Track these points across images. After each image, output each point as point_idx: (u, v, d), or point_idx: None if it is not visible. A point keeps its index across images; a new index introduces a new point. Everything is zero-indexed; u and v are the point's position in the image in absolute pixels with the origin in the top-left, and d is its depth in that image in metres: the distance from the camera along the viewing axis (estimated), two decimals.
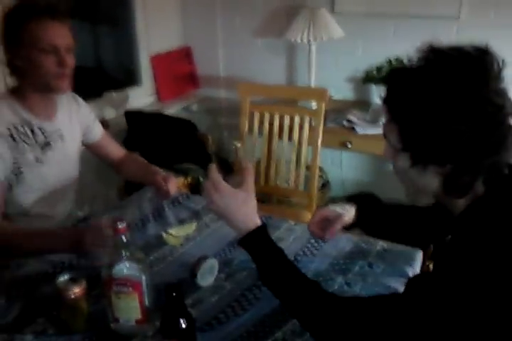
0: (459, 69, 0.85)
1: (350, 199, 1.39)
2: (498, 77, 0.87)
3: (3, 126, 1.48)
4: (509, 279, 0.83)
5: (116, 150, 1.90)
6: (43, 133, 1.57)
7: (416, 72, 0.89)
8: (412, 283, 1.02)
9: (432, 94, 0.85)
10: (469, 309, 0.85)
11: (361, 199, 1.39)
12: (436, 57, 0.88)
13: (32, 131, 1.54)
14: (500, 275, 0.84)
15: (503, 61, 0.87)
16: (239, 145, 1.15)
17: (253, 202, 1.09)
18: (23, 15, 1.45)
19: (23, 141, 1.52)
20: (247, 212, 1.08)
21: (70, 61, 1.50)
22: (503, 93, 0.87)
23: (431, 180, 0.94)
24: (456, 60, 0.86)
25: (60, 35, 1.48)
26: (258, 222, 1.08)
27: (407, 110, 0.89)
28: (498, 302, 0.84)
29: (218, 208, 1.08)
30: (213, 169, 1.09)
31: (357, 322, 0.96)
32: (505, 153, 0.90)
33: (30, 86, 1.52)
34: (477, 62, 0.86)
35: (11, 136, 1.49)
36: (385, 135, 0.98)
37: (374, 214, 1.35)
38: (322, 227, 1.33)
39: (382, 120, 2.51)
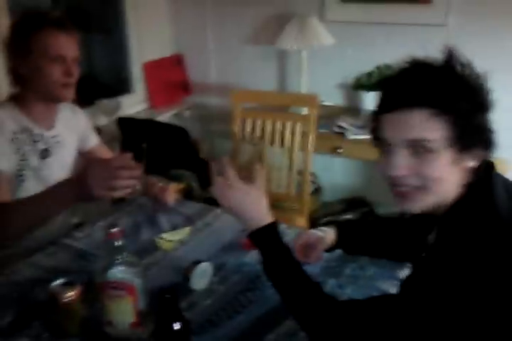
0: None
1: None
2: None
3: (7, 131, 1.50)
4: (499, 276, 0.85)
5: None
6: (42, 141, 1.60)
7: (441, 67, 0.93)
8: (405, 284, 1.03)
9: (466, 82, 0.92)
10: (464, 307, 0.86)
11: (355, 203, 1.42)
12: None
13: (32, 139, 1.56)
14: (490, 272, 0.86)
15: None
16: (250, 147, 1.16)
17: (265, 200, 1.11)
18: (33, 25, 1.48)
19: (24, 147, 1.54)
20: (259, 209, 1.10)
21: (76, 71, 1.54)
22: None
23: (456, 175, 0.94)
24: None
25: (69, 46, 1.52)
26: (270, 219, 1.10)
27: (457, 98, 0.90)
28: (492, 299, 0.86)
29: (230, 203, 1.09)
30: (227, 163, 1.10)
31: (353, 324, 0.98)
32: None
33: (34, 94, 1.55)
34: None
35: (14, 141, 1.51)
36: (414, 140, 0.91)
37: (354, 234, 1.38)
38: (304, 251, 1.35)
39: None
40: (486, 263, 0.86)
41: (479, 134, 0.92)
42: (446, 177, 0.93)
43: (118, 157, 1.14)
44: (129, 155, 1.13)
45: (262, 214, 1.10)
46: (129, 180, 1.12)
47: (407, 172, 0.93)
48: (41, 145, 1.59)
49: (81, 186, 1.14)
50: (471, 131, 0.91)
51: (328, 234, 1.35)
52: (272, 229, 1.10)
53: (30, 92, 1.54)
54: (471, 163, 0.94)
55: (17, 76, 1.54)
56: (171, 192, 1.73)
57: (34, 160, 1.56)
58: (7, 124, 1.50)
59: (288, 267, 1.09)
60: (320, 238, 1.34)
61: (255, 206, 1.10)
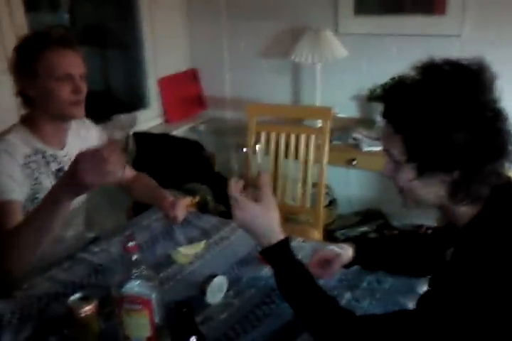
0: (454, 80, 0.91)
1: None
2: (490, 87, 0.92)
3: (21, 156, 1.50)
4: None
5: (126, 170, 1.92)
6: (55, 161, 1.60)
7: (415, 86, 0.94)
8: (422, 300, 1.02)
9: (431, 104, 0.90)
10: (480, 324, 0.86)
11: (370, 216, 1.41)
12: (432, 71, 0.93)
13: (45, 160, 1.57)
14: (508, 289, 0.85)
15: (495, 73, 0.93)
16: (252, 150, 1.13)
17: (274, 215, 1.11)
18: (36, 46, 1.48)
19: (38, 169, 1.54)
20: (268, 226, 1.10)
21: (84, 88, 1.55)
22: (496, 101, 0.92)
23: (437, 189, 0.97)
24: (450, 73, 0.92)
25: (74, 63, 1.52)
26: (280, 235, 1.11)
27: (411, 120, 0.93)
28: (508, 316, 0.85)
29: (242, 224, 1.11)
30: (232, 186, 1.11)
31: (370, 340, 0.98)
32: (506, 159, 0.93)
33: (44, 114, 1.55)
34: (470, 73, 0.91)
35: (27, 165, 1.51)
36: (386, 150, 1.01)
37: (372, 250, 1.37)
38: (321, 267, 1.35)
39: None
40: (504, 280, 0.85)
41: (441, 154, 0.91)
42: (414, 188, 0.98)
43: (105, 144, 1.13)
44: (114, 142, 1.14)
45: (272, 231, 1.10)
46: (118, 165, 1.10)
47: (389, 175, 1.03)
48: (55, 166, 1.60)
49: (72, 180, 1.11)
50: (428, 151, 0.92)
51: (346, 251, 1.34)
52: (283, 245, 1.10)
53: (41, 113, 1.55)
54: (447, 179, 0.94)
55: (26, 98, 1.54)
56: (182, 207, 1.71)
57: (48, 183, 1.57)
58: (19, 148, 1.51)
59: (302, 283, 1.08)
60: (337, 254, 1.33)
61: (265, 224, 1.10)
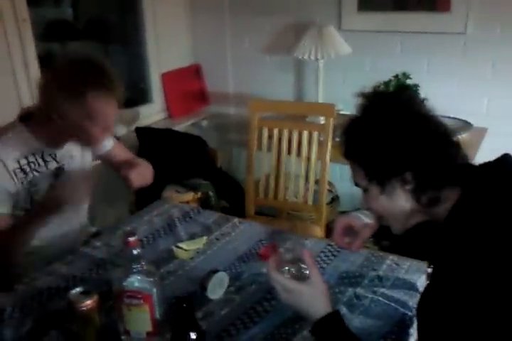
0: (379, 110, 1.04)
1: None
2: (413, 103, 1.04)
3: (14, 160, 1.46)
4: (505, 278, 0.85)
5: (129, 159, 1.85)
6: (54, 159, 1.58)
7: (354, 122, 1.05)
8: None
9: (366, 130, 1.02)
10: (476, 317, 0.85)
11: None
12: (366, 107, 1.06)
13: (43, 159, 1.54)
14: (496, 276, 0.85)
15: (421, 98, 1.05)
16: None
17: (320, 294, 1.09)
18: (84, 83, 1.37)
19: (35, 170, 1.51)
20: (315, 305, 1.08)
21: (113, 128, 1.52)
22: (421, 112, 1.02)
23: (403, 197, 1.01)
24: (376, 105, 1.06)
25: (114, 113, 1.46)
26: (326, 312, 1.07)
27: (356, 146, 1.03)
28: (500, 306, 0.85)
29: (291, 305, 1.11)
30: (272, 269, 1.10)
31: None
32: (452, 148, 1.00)
33: (57, 131, 1.47)
34: (391, 102, 1.05)
35: (21, 169, 1.48)
36: (357, 184, 1.08)
37: None
38: (347, 235, 1.32)
39: None
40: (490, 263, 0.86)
41: (385, 161, 0.99)
42: (385, 203, 1.04)
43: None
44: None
45: (318, 309, 1.07)
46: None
47: (367, 205, 1.09)
48: (53, 165, 1.57)
49: (49, 204, 1.42)
50: (378, 168, 1.00)
51: (371, 219, 1.30)
52: (330, 321, 1.06)
53: (53, 128, 1.45)
54: (404, 183, 0.99)
55: (45, 112, 1.42)
56: (137, 170, 1.62)
57: (44, 184, 1.54)
58: (15, 150, 1.46)
59: None
60: (365, 224, 1.29)
61: (310, 302, 1.08)
